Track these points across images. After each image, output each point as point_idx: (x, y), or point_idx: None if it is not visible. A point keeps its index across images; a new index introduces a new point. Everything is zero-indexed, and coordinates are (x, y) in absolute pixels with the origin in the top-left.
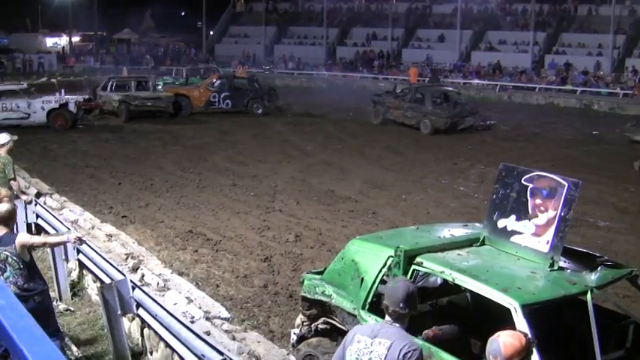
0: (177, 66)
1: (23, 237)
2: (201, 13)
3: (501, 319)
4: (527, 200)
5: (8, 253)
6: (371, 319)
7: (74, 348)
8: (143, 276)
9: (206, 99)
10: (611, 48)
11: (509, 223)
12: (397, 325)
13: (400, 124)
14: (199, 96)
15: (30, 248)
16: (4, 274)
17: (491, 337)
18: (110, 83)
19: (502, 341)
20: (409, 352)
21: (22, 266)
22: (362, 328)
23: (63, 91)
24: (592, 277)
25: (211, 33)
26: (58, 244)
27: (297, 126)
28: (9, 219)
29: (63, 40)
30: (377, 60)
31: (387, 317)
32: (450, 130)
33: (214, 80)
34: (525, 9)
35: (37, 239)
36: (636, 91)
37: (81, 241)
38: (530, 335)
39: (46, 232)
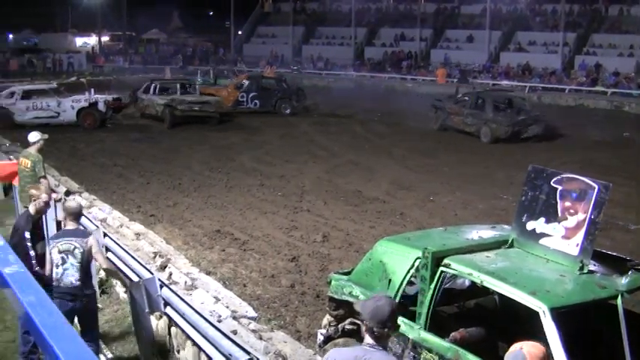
0: (205, 66)
1: (95, 241)
2: (230, 13)
3: (529, 322)
4: (557, 202)
5: (77, 245)
6: (399, 321)
7: (102, 345)
8: (171, 274)
9: (234, 99)
10: None
11: (538, 225)
12: (380, 347)
13: (460, 132)
14: (228, 96)
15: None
16: (64, 265)
17: (512, 349)
18: (153, 86)
19: (527, 352)
20: None
21: (83, 263)
22: (340, 354)
23: (92, 90)
24: (622, 281)
25: (239, 33)
26: (110, 272)
27: (323, 126)
28: (79, 214)
29: (92, 40)
30: (405, 60)
31: (368, 338)
32: (512, 138)
33: (243, 81)
34: (555, 9)
35: (100, 255)
36: None
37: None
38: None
39: None
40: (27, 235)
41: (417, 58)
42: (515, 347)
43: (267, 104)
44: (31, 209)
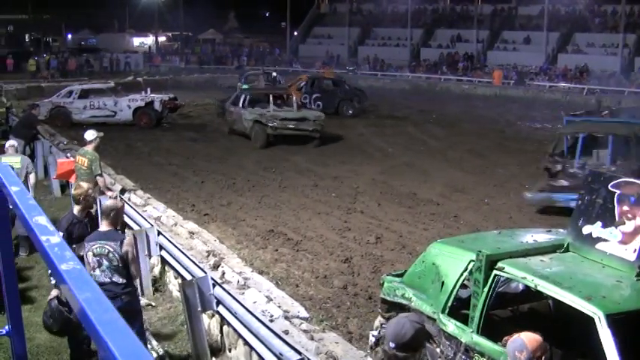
0: (261, 66)
1: (131, 247)
2: (285, 13)
3: (584, 328)
4: (614, 207)
5: (111, 249)
6: (450, 323)
7: (155, 342)
8: (224, 274)
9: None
10: None
11: (594, 229)
12: None
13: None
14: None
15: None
16: (100, 268)
17: (511, 338)
18: (243, 97)
19: (526, 338)
20: None
21: (120, 265)
22: None
23: (149, 89)
24: None
25: (295, 34)
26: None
27: (379, 127)
28: (114, 216)
29: (149, 40)
30: (461, 62)
31: None
32: None
33: (303, 82)
34: (615, 10)
35: (134, 265)
36: None
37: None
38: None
39: (130, 228)
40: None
41: (473, 59)
42: (515, 336)
43: (329, 106)
44: (75, 209)
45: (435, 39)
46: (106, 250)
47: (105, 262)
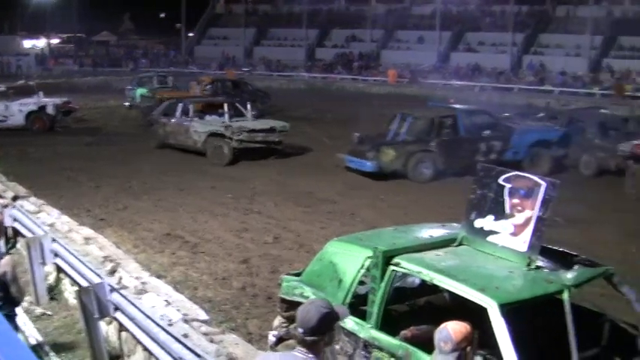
0: (156, 68)
1: (10, 267)
2: (181, 14)
3: (479, 318)
4: (505, 200)
5: None
6: (349, 320)
7: (52, 353)
8: (121, 279)
9: None
10: (589, 48)
11: (486, 223)
12: (311, 355)
13: None
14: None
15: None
16: None
17: (438, 328)
18: (182, 107)
19: (451, 329)
20: None
21: None
22: (272, 355)
23: (41, 93)
24: (569, 276)
25: (190, 35)
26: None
27: None
28: None
29: (41, 42)
30: (356, 61)
31: (300, 346)
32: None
33: (207, 84)
34: (504, 10)
35: (15, 285)
36: (613, 91)
37: None
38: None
39: (23, 236)
40: None
41: (368, 58)
42: (442, 326)
43: None
44: None
45: (330, 39)
46: None
47: None
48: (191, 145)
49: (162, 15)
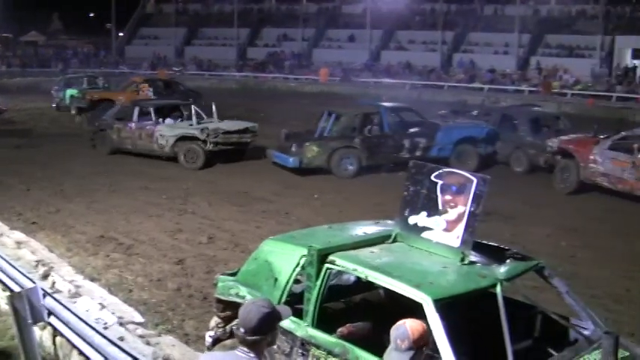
0: (85, 68)
1: None
2: (111, 14)
3: (414, 314)
4: (438, 196)
5: None
6: (286, 319)
7: None
8: (54, 283)
9: None
10: (517, 46)
11: (420, 219)
12: (253, 354)
13: None
14: (126, 101)
15: None
16: None
17: (396, 324)
18: (139, 110)
19: (410, 327)
20: None
21: None
22: (216, 354)
23: None
24: (501, 270)
25: (121, 35)
26: None
27: None
28: None
29: None
30: (288, 60)
31: (241, 346)
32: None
33: (139, 84)
34: (433, 9)
35: None
36: (541, 88)
37: None
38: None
39: None
40: None
41: (299, 58)
42: (399, 323)
43: None
44: None
45: (261, 38)
46: None
47: None
48: (155, 150)
49: (92, 14)
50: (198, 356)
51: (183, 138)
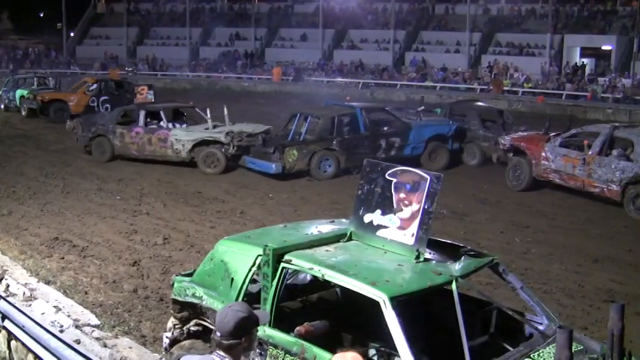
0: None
1: None
2: (61, 14)
3: (371, 312)
4: (392, 195)
5: None
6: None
7: None
8: (8, 286)
9: (85, 104)
10: (468, 45)
11: (375, 217)
12: (229, 357)
13: None
14: (78, 102)
15: None
16: None
17: (337, 355)
18: (144, 114)
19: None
20: None
21: None
22: (192, 357)
23: None
24: (456, 267)
25: (72, 35)
26: None
27: None
28: None
29: None
30: (240, 60)
31: (218, 350)
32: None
33: (90, 84)
34: (385, 8)
35: None
36: (492, 86)
37: None
38: None
39: None
40: None
41: (252, 57)
42: (339, 356)
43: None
44: None
45: (213, 37)
46: None
47: None
48: (169, 156)
49: (43, 14)
50: (157, 358)
51: (201, 142)
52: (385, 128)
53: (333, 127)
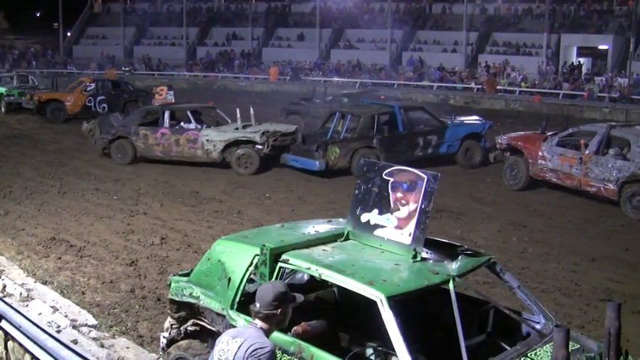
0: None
1: None
2: (58, 13)
3: (368, 311)
4: (389, 194)
5: None
6: (240, 319)
7: None
8: (5, 287)
9: (82, 104)
10: (465, 45)
11: (372, 217)
12: (259, 325)
13: None
14: (75, 101)
15: None
16: None
17: None
18: (169, 114)
19: None
20: (257, 349)
21: None
22: (231, 329)
23: None
24: (453, 266)
25: (68, 34)
26: None
27: None
28: None
29: None
30: (237, 60)
31: (256, 320)
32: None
33: (87, 84)
34: (382, 7)
35: None
36: (486, 86)
37: None
38: None
39: None
40: None
41: (249, 57)
42: None
43: (116, 108)
44: None
45: (210, 37)
46: None
47: None
48: (199, 157)
49: (39, 14)
50: (154, 358)
51: (233, 143)
52: (422, 126)
53: (374, 125)
